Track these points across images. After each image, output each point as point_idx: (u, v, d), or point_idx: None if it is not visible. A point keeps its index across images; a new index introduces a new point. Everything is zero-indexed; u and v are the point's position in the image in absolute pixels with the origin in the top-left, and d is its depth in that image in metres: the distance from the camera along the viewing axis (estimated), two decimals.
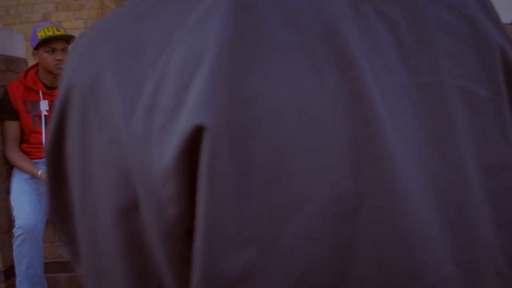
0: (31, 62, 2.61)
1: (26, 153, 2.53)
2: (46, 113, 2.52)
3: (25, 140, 2.53)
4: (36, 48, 2.45)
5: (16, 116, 2.48)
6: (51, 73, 2.50)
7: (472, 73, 0.36)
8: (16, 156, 2.47)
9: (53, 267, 2.53)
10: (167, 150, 0.29)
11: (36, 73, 2.54)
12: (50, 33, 2.41)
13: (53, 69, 2.48)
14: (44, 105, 2.52)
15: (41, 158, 2.52)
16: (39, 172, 2.35)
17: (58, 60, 2.45)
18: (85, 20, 4.33)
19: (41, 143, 2.51)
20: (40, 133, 2.51)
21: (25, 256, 2.27)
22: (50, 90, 2.54)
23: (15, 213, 2.33)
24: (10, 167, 2.52)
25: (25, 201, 2.36)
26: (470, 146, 0.35)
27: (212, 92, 0.28)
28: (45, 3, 4.35)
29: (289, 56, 0.30)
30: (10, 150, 2.47)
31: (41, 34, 2.41)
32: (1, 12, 4.43)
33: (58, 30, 2.44)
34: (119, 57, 0.32)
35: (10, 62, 2.61)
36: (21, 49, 2.61)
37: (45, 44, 2.43)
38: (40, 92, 2.51)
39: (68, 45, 2.52)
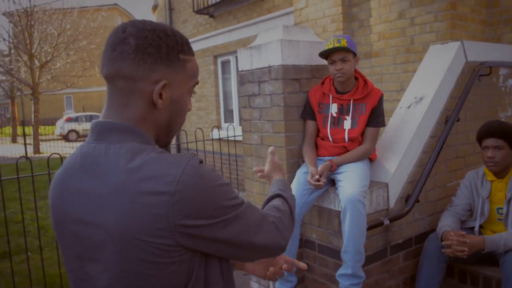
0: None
1: (317, 146, 2.91)
2: (335, 115, 2.80)
3: (319, 137, 2.92)
4: (326, 59, 2.76)
5: (313, 117, 2.89)
6: (336, 81, 2.76)
7: None
8: (305, 150, 2.87)
9: None
10: None
11: (332, 79, 2.85)
12: (330, 46, 2.65)
13: (334, 78, 2.72)
14: (333, 108, 2.82)
15: (324, 156, 2.85)
16: (310, 168, 2.67)
17: (337, 70, 2.66)
18: (435, 14, 4.21)
19: (327, 141, 2.83)
20: (326, 131, 2.82)
21: None
22: (339, 95, 2.80)
23: None
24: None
25: (293, 190, 2.74)
26: None
27: None
28: (401, 1, 4.50)
29: None
30: (304, 144, 2.91)
31: (326, 48, 2.69)
32: (365, 15, 4.93)
33: (339, 42, 2.63)
34: None
35: (316, 71, 3.02)
36: None
37: (328, 56, 2.70)
38: (330, 96, 2.81)
39: (352, 54, 2.67)
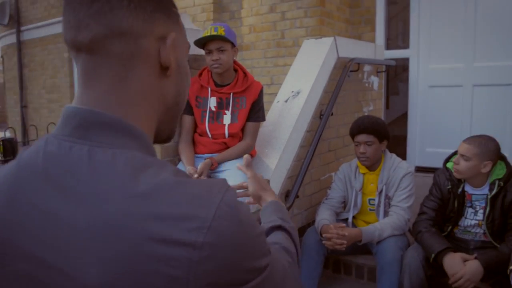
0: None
1: (195, 143, 2.69)
2: (214, 109, 2.62)
3: (197, 133, 2.70)
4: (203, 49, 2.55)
5: (190, 111, 2.66)
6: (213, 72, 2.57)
7: None
8: (182, 147, 2.63)
9: None
10: None
11: (211, 71, 2.65)
12: (206, 34, 2.45)
13: (211, 69, 2.53)
14: (212, 102, 2.62)
15: (203, 153, 2.64)
16: (188, 168, 2.45)
17: (213, 60, 2.48)
18: (305, 10, 4.29)
19: (206, 137, 2.63)
20: (204, 127, 2.62)
21: None
22: (218, 88, 2.61)
23: None
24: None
25: None
26: None
27: None
28: None
29: None
30: (181, 141, 2.67)
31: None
32: (236, 7, 4.84)
33: (216, 31, 2.45)
34: None
35: (194, 61, 2.80)
36: None
37: (204, 45, 2.50)
38: (209, 89, 2.61)
39: (230, 44, 2.51)
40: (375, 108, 4.09)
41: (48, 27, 7.73)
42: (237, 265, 0.56)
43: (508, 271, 2.03)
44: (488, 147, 2.30)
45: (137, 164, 0.58)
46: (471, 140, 2.37)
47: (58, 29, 7.64)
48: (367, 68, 3.85)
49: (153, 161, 0.60)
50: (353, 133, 2.80)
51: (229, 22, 4.88)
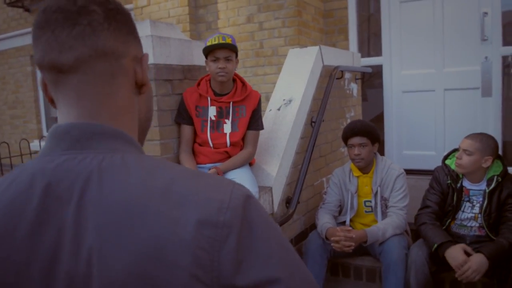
0: None
1: (196, 153, 2.68)
2: (214, 118, 2.62)
3: (196, 142, 2.69)
4: (206, 57, 2.57)
5: (190, 121, 2.65)
6: (217, 80, 2.58)
7: None
8: (183, 158, 2.61)
9: None
10: None
11: (209, 80, 2.66)
12: (215, 42, 2.47)
13: (216, 77, 2.54)
14: (211, 111, 2.63)
15: (205, 163, 2.64)
16: None
17: (220, 68, 2.50)
18: (283, 20, 4.38)
19: (208, 147, 2.63)
20: (206, 136, 2.62)
21: None
22: (217, 97, 2.63)
23: None
24: None
25: None
26: None
27: None
28: (249, 5, 4.56)
29: None
30: (181, 151, 2.65)
31: (208, 44, 2.50)
32: (212, 17, 4.87)
33: (224, 39, 2.48)
34: None
35: (188, 71, 2.80)
36: (201, 57, 2.76)
37: (210, 53, 2.52)
38: (209, 99, 2.61)
39: (234, 54, 2.54)
40: (356, 114, 4.22)
41: (8, 40, 7.43)
42: (261, 250, 0.58)
43: None
44: (488, 143, 2.46)
45: (148, 162, 0.62)
46: (473, 136, 2.53)
47: (20, 42, 7.36)
48: (347, 75, 3.97)
49: (160, 160, 0.65)
50: (347, 136, 2.89)
51: (206, 33, 4.90)
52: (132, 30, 0.71)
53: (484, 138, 2.50)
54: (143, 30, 2.60)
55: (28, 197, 0.58)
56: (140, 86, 0.71)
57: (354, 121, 2.99)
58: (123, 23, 0.68)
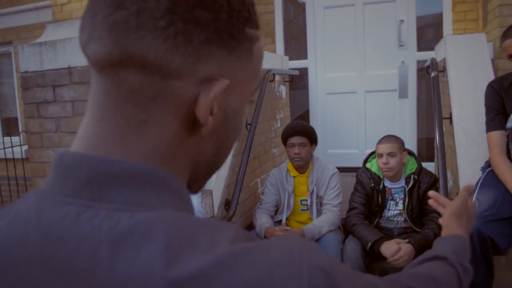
0: None
1: None
2: None
3: None
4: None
5: None
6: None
7: None
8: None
9: None
10: None
11: None
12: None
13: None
14: None
15: None
16: None
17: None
18: None
19: None
20: None
21: None
22: None
23: None
24: None
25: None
26: None
27: None
28: None
29: None
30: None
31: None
32: None
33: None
34: None
35: None
36: None
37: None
38: None
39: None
40: (284, 115, 4.36)
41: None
42: None
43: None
44: (400, 141, 2.75)
45: (179, 233, 0.40)
46: (388, 139, 2.72)
47: None
48: (277, 78, 4.09)
49: (197, 226, 0.42)
50: (287, 136, 2.99)
51: None
52: (221, 35, 0.44)
53: (396, 138, 2.75)
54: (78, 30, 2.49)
55: (18, 255, 0.42)
56: (198, 124, 0.46)
57: (295, 122, 3.12)
58: (202, 25, 0.43)
